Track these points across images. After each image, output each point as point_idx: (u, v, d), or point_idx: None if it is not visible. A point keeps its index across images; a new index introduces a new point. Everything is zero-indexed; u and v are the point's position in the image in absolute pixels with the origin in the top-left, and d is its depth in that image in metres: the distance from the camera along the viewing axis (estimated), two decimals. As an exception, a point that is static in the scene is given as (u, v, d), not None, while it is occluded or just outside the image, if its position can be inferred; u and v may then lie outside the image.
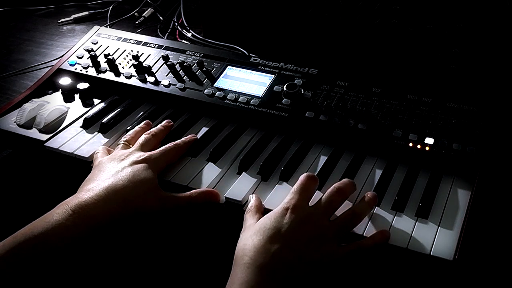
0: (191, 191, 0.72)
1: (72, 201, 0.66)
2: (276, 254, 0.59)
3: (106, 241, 0.68)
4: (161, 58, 0.97)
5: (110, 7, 1.43)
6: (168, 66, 0.95)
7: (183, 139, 0.81)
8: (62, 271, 0.63)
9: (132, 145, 0.80)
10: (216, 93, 0.88)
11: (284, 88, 0.86)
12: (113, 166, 0.73)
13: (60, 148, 0.82)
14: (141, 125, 0.85)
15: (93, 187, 0.69)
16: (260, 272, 0.58)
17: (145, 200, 0.69)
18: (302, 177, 0.69)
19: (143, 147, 0.78)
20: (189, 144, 0.80)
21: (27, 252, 0.61)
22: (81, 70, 0.98)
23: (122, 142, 0.80)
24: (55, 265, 0.62)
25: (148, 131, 0.82)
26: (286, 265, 0.59)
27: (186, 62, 0.95)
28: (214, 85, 0.90)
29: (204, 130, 0.86)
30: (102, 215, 0.66)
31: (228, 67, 0.93)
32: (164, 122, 0.85)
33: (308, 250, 0.60)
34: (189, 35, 1.22)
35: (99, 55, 1.00)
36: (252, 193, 0.72)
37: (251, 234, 0.63)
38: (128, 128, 0.86)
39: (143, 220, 0.70)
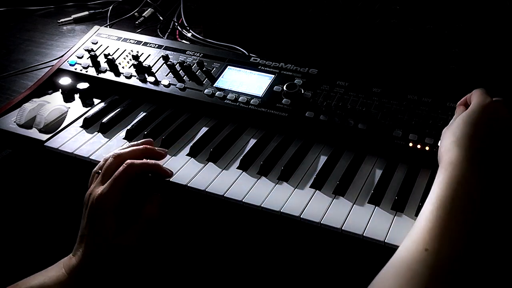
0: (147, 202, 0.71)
1: (66, 262, 0.68)
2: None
3: None
4: (161, 58, 0.97)
5: (110, 7, 1.43)
6: (168, 66, 0.95)
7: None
8: None
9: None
10: (216, 93, 0.88)
11: (284, 88, 0.86)
12: (86, 214, 0.69)
13: (60, 148, 0.82)
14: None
15: (80, 246, 0.68)
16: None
17: (126, 240, 0.67)
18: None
19: (104, 178, 0.70)
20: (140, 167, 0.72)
21: None
22: (81, 70, 0.98)
23: (93, 172, 0.74)
24: None
25: (114, 153, 0.73)
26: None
27: (186, 62, 0.95)
28: (214, 85, 0.90)
29: (204, 130, 0.86)
30: (94, 274, 0.67)
31: (228, 67, 0.93)
32: (139, 141, 0.78)
33: None
34: (189, 35, 1.22)
35: (99, 55, 1.00)
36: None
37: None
38: (128, 128, 0.86)
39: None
